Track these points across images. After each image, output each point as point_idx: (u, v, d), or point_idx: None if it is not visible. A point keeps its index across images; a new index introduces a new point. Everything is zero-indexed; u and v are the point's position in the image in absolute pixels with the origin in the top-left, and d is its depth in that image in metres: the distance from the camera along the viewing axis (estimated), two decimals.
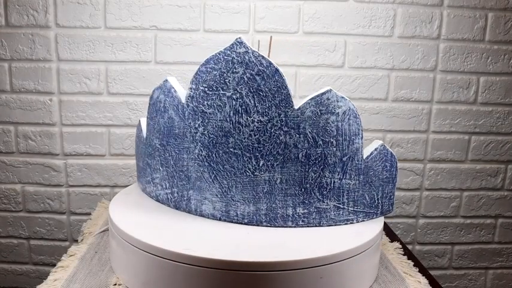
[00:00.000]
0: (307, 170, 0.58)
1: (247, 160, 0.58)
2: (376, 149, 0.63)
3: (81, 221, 1.02)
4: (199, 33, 0.97)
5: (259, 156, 0.58)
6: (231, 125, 0.58)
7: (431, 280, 0.64)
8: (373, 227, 0.61)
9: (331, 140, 0.58)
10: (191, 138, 0.60)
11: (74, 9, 0.94)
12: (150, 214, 0.62)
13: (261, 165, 0.58)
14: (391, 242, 0.78)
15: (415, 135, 1.05)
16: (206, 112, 0.59)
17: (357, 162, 0.60)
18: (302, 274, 0.51)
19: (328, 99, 0.58)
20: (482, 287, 1.14)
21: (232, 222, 0.61)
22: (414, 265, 0.68)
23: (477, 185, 1.09)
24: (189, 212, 0.63)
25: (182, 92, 0.62)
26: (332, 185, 0.59)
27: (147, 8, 0.95)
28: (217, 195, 0.60)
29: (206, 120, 0.59)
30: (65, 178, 1.02)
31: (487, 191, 1.09)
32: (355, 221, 0.62)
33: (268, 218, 0.60)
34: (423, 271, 0.67)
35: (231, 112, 0.57)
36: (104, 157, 1.01)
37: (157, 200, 0.67)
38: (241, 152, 0.58)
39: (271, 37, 0.76)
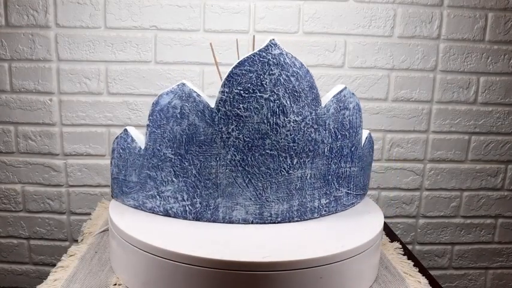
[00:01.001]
0: (330, 162, 0.63)
1: (282, 160, 0.60)
2: (366, 138, 0.68)
3: (81, 221, 1.02)
4: (199, 33, 0.97)
5: (293, 154, 0.60)
6: (268, 127, 0.58)
7: (431, 280, 0.64)
8: (373, 227, 0.61)
9: (346, 132, 0.63)
10: (222, 144, 0.59)
11: (74, 9, 0.94)
12: (149, 214, 0.62)
13: (294, 163, 0.60)
14: (391, 242, 0.78)
15: (415, 135, 1.05)
16: (242, 115, 0.58)
17: (359, 151, 0.66)
18: (302, 274, 0.51)
19: (344, 96, 0.62)
20: (482, 287, 1.14)
21: (265, 223, 0.61)
22: (414, 265, 0.68)
23: (477, 185, 1.09)
24: (215, 221, 0.61)
25: (204, 96, 0.60)
26: (345, 173, 0.65)
27: (147, 8, 0.95)
28: (251, 199, 0.61)
29: (242, 124, 0.59)
30: (65, 178, 1.02)
31: (487, 191, 1.09)
32: (356, 204, 0.69)
33: (299, 213, 0.63)
34: (423, 271, 0.67)
35: (269, 114, 0.58)
36: (104, 157, 1.01)
37: (167, 214, 0.62)
38: (277, 152, 0.59)
39: (253, 36, 0.76)
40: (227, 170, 0.60)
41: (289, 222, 0.62)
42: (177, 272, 0.52)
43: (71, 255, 0.66)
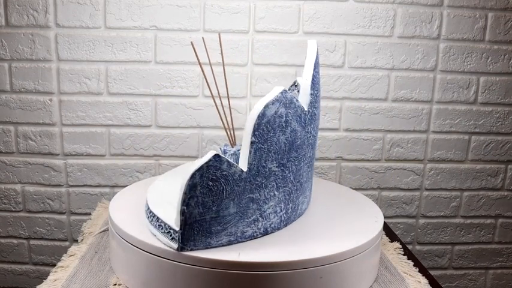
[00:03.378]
0: None
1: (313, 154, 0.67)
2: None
3: (81, 221, 1.02)
4: (199, 33, 0.97)
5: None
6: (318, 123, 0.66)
7: (431, 280, 0.64)
8: (373, 227, 0.61)
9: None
10: (306, 143, 0.59)
11: (74, 9, 0.94)
12: None
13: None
14: (391, 242, 0.78)
15: (415, 135, 1.05)
16: (316, 114, 0.61)
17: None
18: (302, 274, 0.51)
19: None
20: (482, 287, 1.14)
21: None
22: (414, 265, 0.68)
23: (477, 185, 1.09)
24: (295, 219, 0.62)
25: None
26: None
27: (147, 8, 0.95)
28: (310, 190, 0.66)
29: (315, 122, 0.61)
30: (65, 178, 1.02)
31: (487, 191, 1.09)
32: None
33: (305, 210, 0.68)
34: (423, 271, 0.67)
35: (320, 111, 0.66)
36: (104, 157, 1.01)
37: (265, 233, 0.58)
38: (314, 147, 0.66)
39: (219, 34, 0.74)
40: (306, 167, 0.61)
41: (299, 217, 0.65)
42: (177, 272, 0.52)
43: (71, 255, 0.66)
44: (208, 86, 0.70)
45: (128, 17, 0.95)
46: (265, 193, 0.56)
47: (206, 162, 0.49)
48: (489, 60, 1.02)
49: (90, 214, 0.90)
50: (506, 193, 1.10)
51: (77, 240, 0.92)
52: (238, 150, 0.68)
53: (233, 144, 0.72)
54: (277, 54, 0.98)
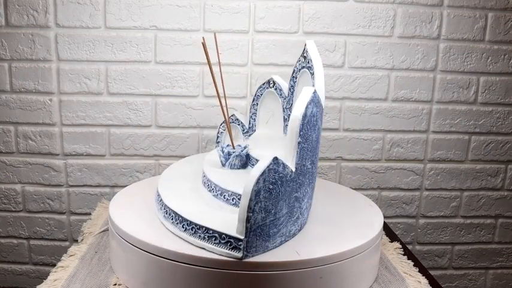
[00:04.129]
0: None
1: None
2: None
3: (81, 221, 1.02)
4: (199, 33, 0.97)
5: None
6: None
7: (431, 280, 0.64)
8: (373, 227, 0.61)
9: None
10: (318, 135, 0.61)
11: (74, 9, 0.94)
12: (150, 214, 0.62)
13: None
14: (391, 242, 0.78)
15: (415, 135, 1.05)
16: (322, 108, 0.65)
17: None
18: (302, 274, 0.51)
19: None
20: (482, 287, 1.14)
21: None
22: (414, 265, 0.68)
23: (477, 185, 1.09)
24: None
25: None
26: None
27: (147, 8, 0.95)
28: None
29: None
30: (65, 178, 1.02)
31: (487, 191, 1.09)
32: None
33: None
34: (423, 271, 0.67)
35: None
36: (104, 157, 1.01)
37: (300, 229, 0.59)
38: None
39: (215, 34, 0.74)
40: (313, 156, 0.60)
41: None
42: (177, 272, 0.52)
43: (71, 255, 0.66)
44: (216, 87, 0.70)
45: (127, 17, 0.95)
46: (303, 190, 0.57)
47: (267, 166, 0.49)
48: (489, 60, 1.02)
49: (90, 214, 0.90)
50: (506, 193, 1.10)
51: (77, 240, 0.92)
52: (243, 151, 0.68)
53: (233, 145, 0.71)
54: (277, 54, 0.98)
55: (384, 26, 0.99)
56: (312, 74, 0.61)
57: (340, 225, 0.62)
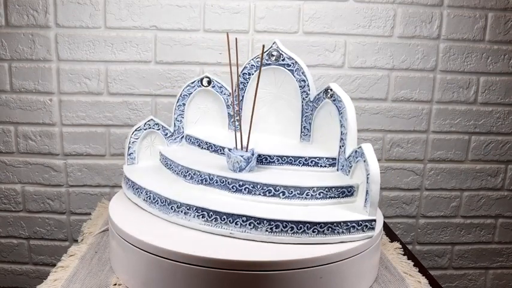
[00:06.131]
0: None
1: None
2: None
3: (81, 221, 1.02)
4: (199, 33, 0.97)
5: None
6: None
7: (431, 280, 0.64)
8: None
9: None
10: None
11: (74, 9, 0.94)
12: (149, 214, 0.62)
13: None
14: (391, 242, 0.78)
15: (415, 135, 1.05)
16: None
17: None
18: (302, 274, 0.51)
19: None
20: (482, 287, 1.14)
21: None
22: (414, 265, 0.68)
23: (477, 185, 1.09)
24: None
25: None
26: None
27: (147, 8, 0.95)
28: None
29: None
30: (65, 178, 1.02)
31: (487, 191, 1.09)
32: None
33: None
34: (423, 271, 0.67)
35: None
36: (104, 157, 1.01)
37: None
38: None
39: (227, 34, 0.71)
40: None
41: None
42: (177, 272, 0.52)
43: (71, 255, 0.66)
44: (238, 88, 0.70)
45: (127, 17, 0.95)
46: None
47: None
48: (489, 60, 1.02)
49: (90, 214, 0.90)
50: (506, 193, 1.10)
51: (77, 240, 0.92)
52: (251, 156, 0.64)
53: (243, 148, 0.66)
54: None
55: (384, 26, 0.99)
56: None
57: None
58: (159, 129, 0.75)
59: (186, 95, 0.76)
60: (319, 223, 0.54)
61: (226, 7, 0.96)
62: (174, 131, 0.76)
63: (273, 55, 0.72)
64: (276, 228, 0.54)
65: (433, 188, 1.08)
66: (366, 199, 0.57)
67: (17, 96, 0.98)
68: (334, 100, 0.68)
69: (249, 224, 0.55)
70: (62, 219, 1.04)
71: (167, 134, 0.76)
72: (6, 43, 0.95)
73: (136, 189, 0.65)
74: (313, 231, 0.54)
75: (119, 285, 0.58)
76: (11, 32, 0.95)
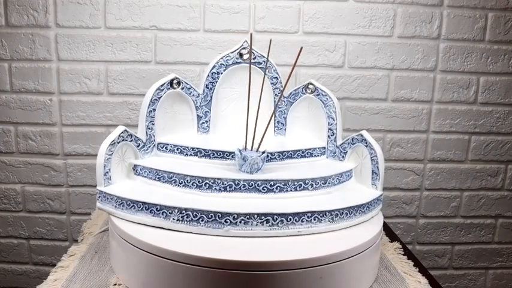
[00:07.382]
0: None
1: None
2: None
3: (81, 221, 1.02)
4: (199, 33, 0.97)
5: None
6: None
7: (431, 280, 0.64)
8: (373, 227, 0.61)
9: None
10: None
11: (74, 9, 0.94)
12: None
13: None
14: (391, 242, 0.77)
15: (415, 135, 1.05)
16: None
17: None
18: (302, 274, 0.51)
19: None
20: (482, 287, 1.14)
21: None
22: (414, 265, 0.68)
23: (477, 185, 1.09)
24: None
25: None
26: None
27: (147, 8, 0.95)
28: None
29: None
30: (65, 178, 1.02)
31: (487, 191, 1.09)
32: None
33: None
34: (423, 271, 0.67)
35: None
36: None
37: None
38: None
39: (251, 34, 0.70)
40: None
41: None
42: (177, 272, 0.52)
43: (71, 255, 0.66)
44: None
45: (127, 17, 0.95)
46: None
47: None
48: (489, 60, 1.02)
49: (90, 214, 0.90)
50: (506, 193, 1.10)
51: (77, 240, 0.92)
52: (262, 154, 0.63)
53: (253, 148, 0.65)
54: (277, 54, 0.98)
55: (384, 26, 0.99)
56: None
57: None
58: (131, 140, 0.65)
59: (155, 100, 0.70)
60: (353, 207, 0.60)
61: (226, 7, 0.96)
62: (146, 140, 0.68)
63: (241, 54, 0.74)
64: (336, 217, 0.59)
65: (433, 188, 1.08)
66: (373, 177, 0.64)
67: (17, 96, 0.98)
68: (318, 95, 0.73)
69: (314, 219, 0.58)
70: (62, 219, 1.04)
71: (139, 144, 0.67)
72: (6, 43, 0.95)
73: (152, 210, 0.58)
74: (349, 217, 0.60)
75: (119, 285, 0.58)
76: (11, 32, 0.95)
